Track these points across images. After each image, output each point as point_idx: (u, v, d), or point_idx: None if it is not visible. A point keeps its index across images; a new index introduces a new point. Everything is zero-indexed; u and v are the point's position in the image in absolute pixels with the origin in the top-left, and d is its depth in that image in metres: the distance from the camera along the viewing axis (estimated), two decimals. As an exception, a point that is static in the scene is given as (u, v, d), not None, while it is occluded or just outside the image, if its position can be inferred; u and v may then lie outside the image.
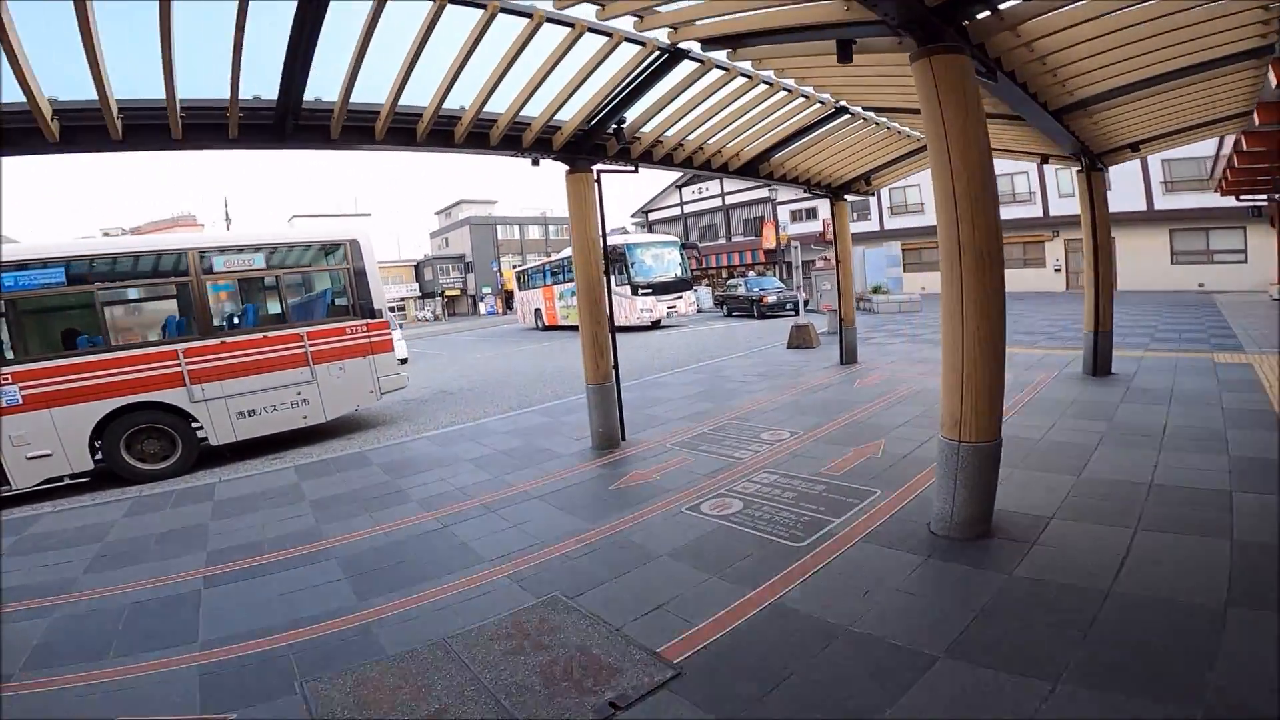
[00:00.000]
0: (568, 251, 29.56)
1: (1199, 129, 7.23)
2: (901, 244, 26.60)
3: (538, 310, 30.01)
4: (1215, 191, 20.41)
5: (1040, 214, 28.80)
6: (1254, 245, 25.37)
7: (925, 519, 3.91)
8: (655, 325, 22.93)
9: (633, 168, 6.60)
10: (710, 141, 6.97)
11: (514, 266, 40.07)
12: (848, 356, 9.75)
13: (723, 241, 44.14)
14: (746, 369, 10.37)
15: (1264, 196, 19.61)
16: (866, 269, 21.12)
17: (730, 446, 5.90)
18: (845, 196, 9.57)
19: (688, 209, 47.88)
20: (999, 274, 3.39)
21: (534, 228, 66.40)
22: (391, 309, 58.86)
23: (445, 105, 5.00)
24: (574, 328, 27.35)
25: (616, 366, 6.38)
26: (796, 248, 12.65)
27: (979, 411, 3.45)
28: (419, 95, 6.75)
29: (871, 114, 6.87)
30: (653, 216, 51.17)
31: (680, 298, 22.73)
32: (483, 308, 62.36)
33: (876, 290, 19.84)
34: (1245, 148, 11.94)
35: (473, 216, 65.30)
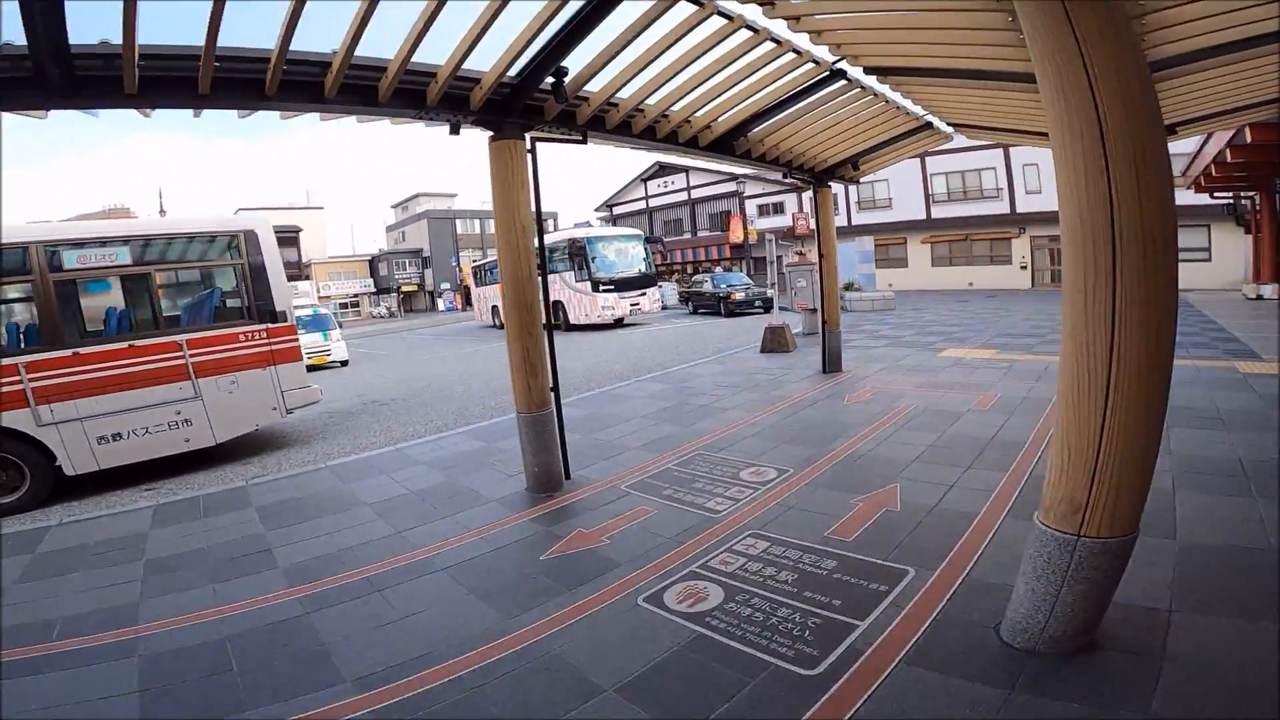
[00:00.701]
0: (525, 245, 28.10)
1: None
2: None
3: (495, 308, 28.42)
4: (1189, 189, 20.10)
5: (1008, 210, 28.42)
6: (1218, 243, 25.39)
7: (986, 617, 2.73)
8: (618, 323, 21.69)
9: (579, 136, 5.28)
10: (676, 107, 5.68)
11: (473, 262, 38.28)
12: (831, 364, 8.62)
13: (688, 236, 43.03)
14: (717, 377, 9.16)
15: (1247, 195, 19.34)
16: (839, 265, 20.16)
17: (702, 491, 4.65)
18: (829, 183, 8.42)
19: (653, 203, 46.63)
20: (1172, 275, 2.16)
21: (489, 220, 64.24)
22: (344, 305, 56.88)
23: (303, 49, 3.61)
24: (532, 326, 26.00)
25: (556, 388, 5.07)
26: (771, 241, 11.51)
27: (1119, 492, 2.25)
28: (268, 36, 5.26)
29: (873, 80, 5.68)
30: (617, 210, 49.81)
31: (644, 294, 21.48)
32: (441, 304, 60.20)
33: (849, 287, 18.90)
34: (1250, 140, 11.28)
35: (431, 210, 63.05)
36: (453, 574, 3.72)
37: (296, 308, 22.29)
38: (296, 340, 8.14)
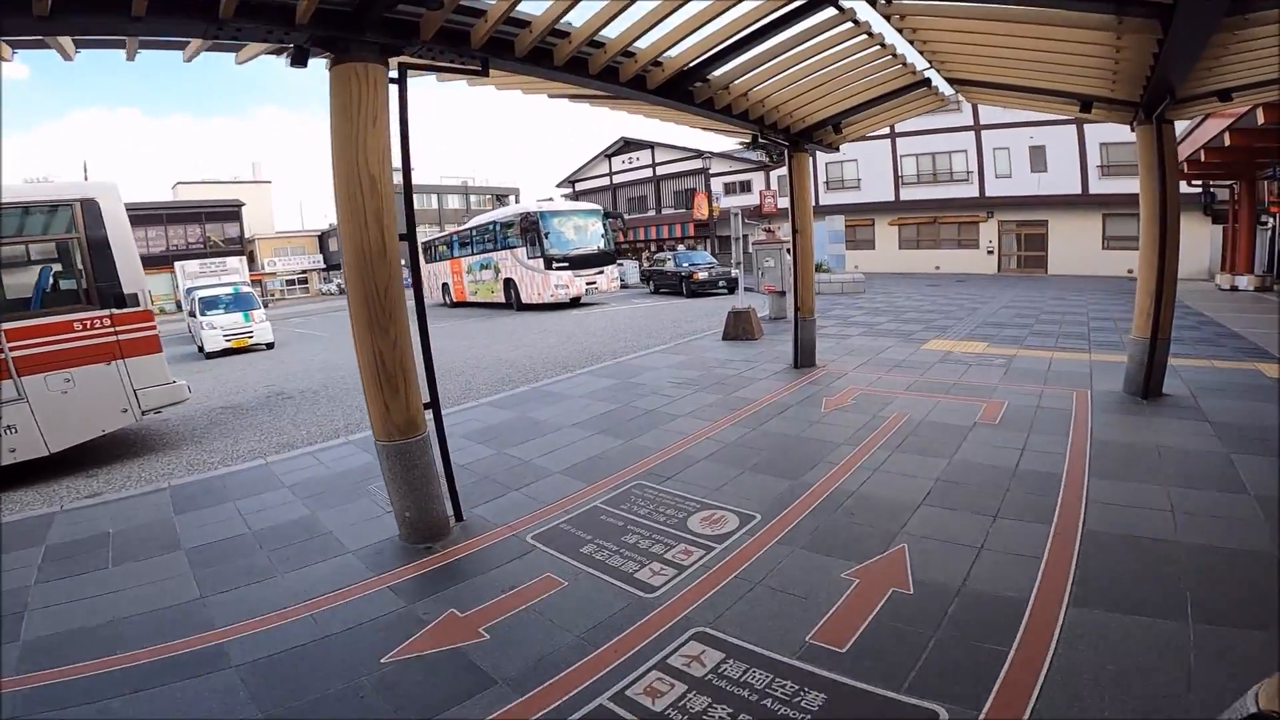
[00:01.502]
0: (479, 219, 26.32)
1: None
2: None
3: (445, 285, 26.74)
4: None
5: (977, 193, 27.76)
6: (1186, 233, 25.01)
7: None
8: (575, 303, 20.30)
9: (476, 65, 3.88)
10: (612, 32, 4.32)
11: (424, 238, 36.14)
12: (804, 357, 7.44)
13: (653, 214, 41.57)
14: (672, 371, 7.91)
15: (1224, 184, 18.84)
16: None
17: (634, 549, 3.38)
18: (806, 147, 7.17)
19: (617, 179, 44.98)
20: None
21: (453, 197, 61.95)
22: (291, 282, 54.01)
23: None
24: (485, 305, 24.44)
25: (436, 404, 3.73)
26: (738, 216, 10.25)
27: None
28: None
29: (868, 9, 4.40)
30: (580, 186, 48.00)
31: (601, 272, 20.07)
32: (396, 281, 57.47)
33: (819, 268, 17.82)
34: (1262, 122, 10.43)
35: (384, 182, 60.12)
36: (246, 675, 2.43)
37: (218, 285, 20.31)
38: (152, 328, 6.59)
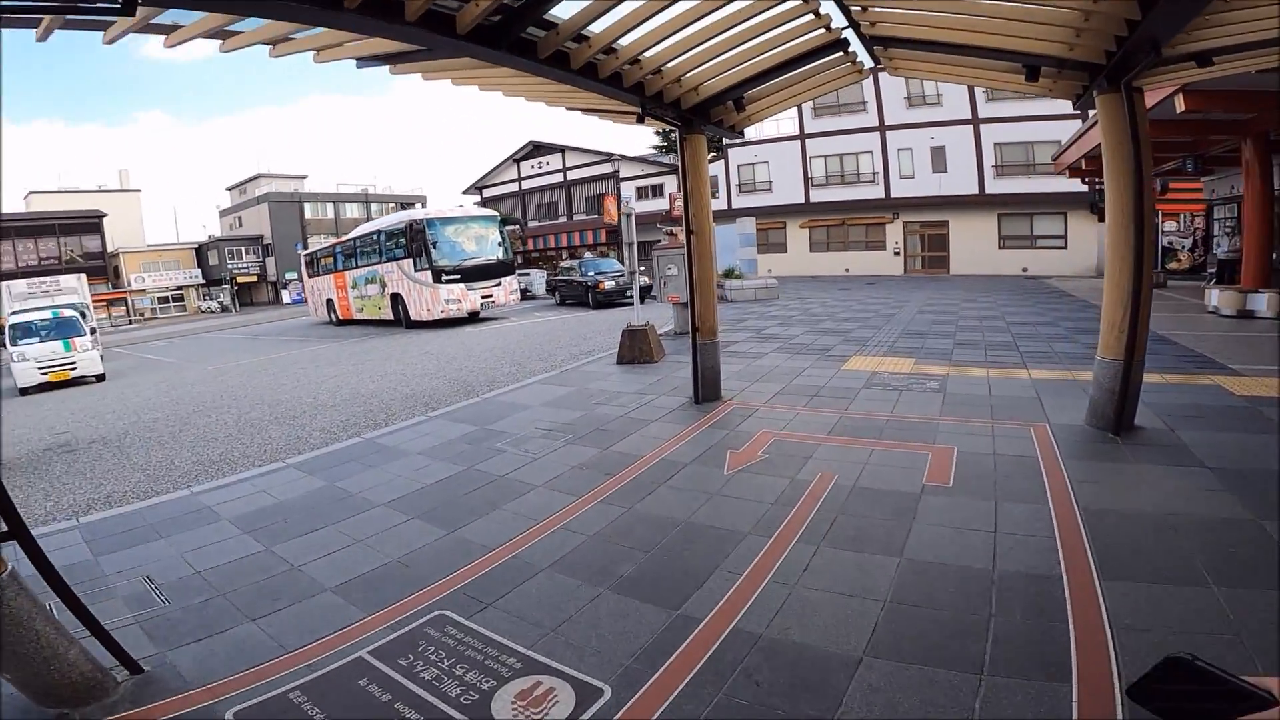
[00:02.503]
0: (362, 229, 23.83)
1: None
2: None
3: (329, 301, 24.14)
4: (1063, 173, 19.83)
5: (882, 195, 27.89)
6: (1073, 231, 26.08)
7: None
8: (473, 318, 18.45)
9: None
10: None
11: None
12: (707, 390, 6.08)
13: (564, 220, 39.97)
14: (546, 411, 6.38)
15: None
16: (717, 250, 18.04)
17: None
18: (703, 128, 5.85)
19: (526, 185, 43.09)
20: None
21: (353, 206, 58.07)
22: (164, 300, 49.08)
23: None
24: (373, 322, 22.03)
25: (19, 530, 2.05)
26: (630, 217, 8.85)
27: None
28: None
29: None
30: (488, 193, 45.79)
31: (499, 284, 18.27)
32: (287, 296, 53.31)
33: (729, 274, 16.80)
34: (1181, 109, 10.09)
35: (273, 193, 55.71)
36: None
37: (38, 309, 17.03)
38: None
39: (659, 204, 34.29)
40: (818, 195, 29.23)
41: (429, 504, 4.15)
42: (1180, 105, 8.50)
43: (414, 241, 17.65)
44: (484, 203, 45.60)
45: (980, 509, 3.44)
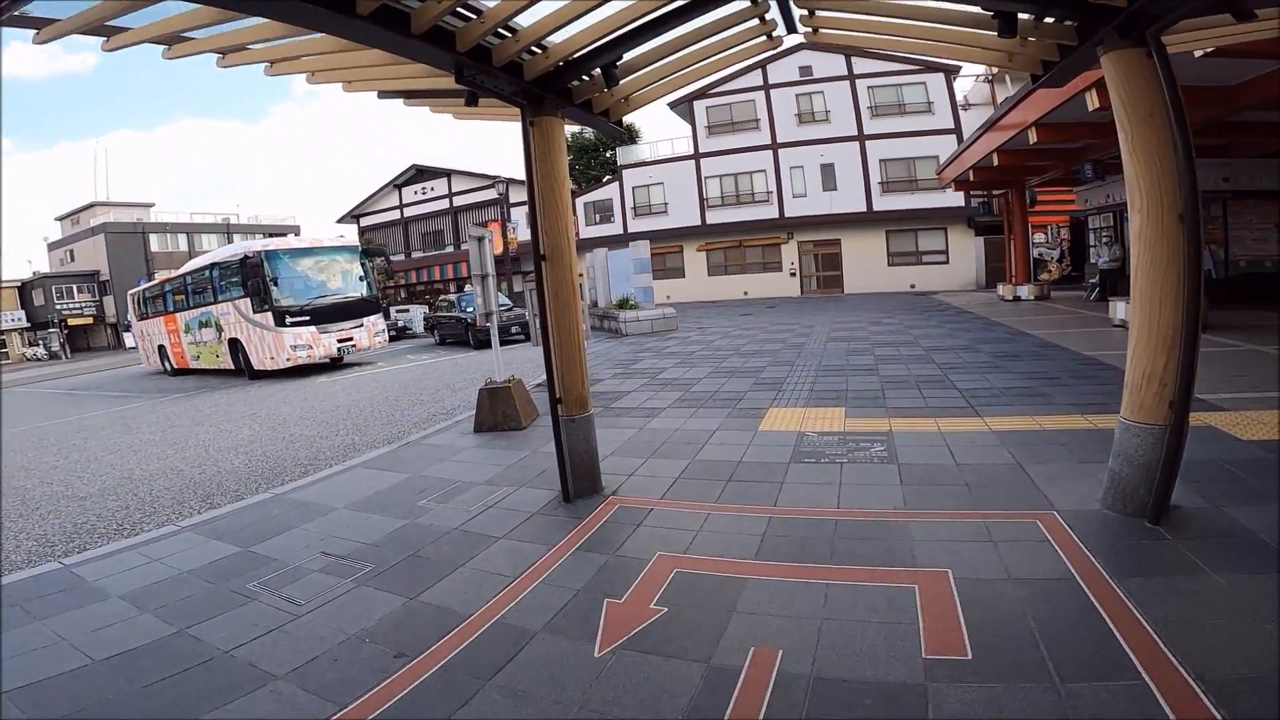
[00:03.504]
0: (194, 263, 20.30)
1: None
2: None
3: (161, 348, 20.46)
4: (947, 187, 19.95)
5: (776, 215, 27.63)
6: (954, 246, 26.83)
7: None
8: (336, 363, 15.85)
9: None
10: None
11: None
12: (580, 483, 4.28)
13: (450, 249, 37.31)
14: (347, 520, 4.37)
15: (998, 193, 19.51)
16: (610, 277, 16.49)
17: None
18: (557, 109, 4.14)
19: (409, 211, 40.07)
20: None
21: (211, 237, 52.14)
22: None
23: None
24: (213, 372, 18.57)
25: None
26: (483, 241, 7.02)
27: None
28: None
29: None
30: (366, 221, 42.28)
31: (360, 326, 15.74)
32: (130, 339, 46.76)
33: (624, 304, 15.23)
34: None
35: (111, 223, 49.05)
36: None
37: None
38: None
39: (551, 229, 32.57)
40: (714, 216, 28.60)
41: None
42: (1093, 103, 7.82)
43: (251, 278, 14.83)
44: (362, 232, 42.05)
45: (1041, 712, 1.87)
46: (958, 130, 25.35)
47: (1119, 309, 10.68)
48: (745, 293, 28.63)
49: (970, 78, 27.43)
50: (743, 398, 6.83)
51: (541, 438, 6.03)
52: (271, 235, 51.63)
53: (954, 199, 25.18)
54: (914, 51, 4.38)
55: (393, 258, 39.68)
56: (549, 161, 4.06)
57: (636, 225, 29.29)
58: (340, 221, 44.12)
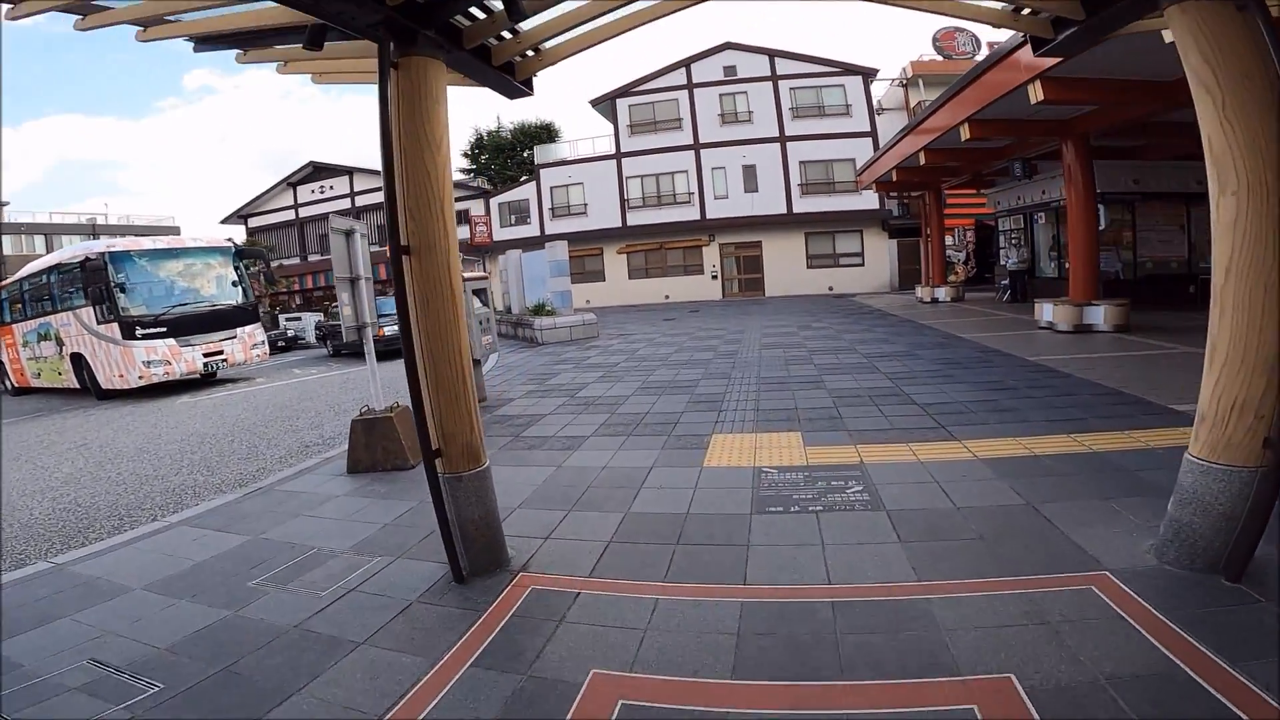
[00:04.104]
0: (31, 268, 17.28)
1: None
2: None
3: (0, 364, 17.38)
4: (869, 189, 19.94)
5: (698, 216, 27.12)
6: (869, 248, 27.24)
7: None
8: (210, 379, 13.76)
9: None
10: None
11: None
12: (475, 557, 3.10)
13: (350, 251, 34.42)
14: (143, 609, 3.05)
15: (915, 195, 19.62)
16: (525, 279, 15.19)
17: None
18: (439, 50, 2.94)
19: (305, 212, 36.86)
20: None
21: (74, 238, 46.17)
22: None
23: None
24: (61, 391, 15.76)
25: None
26: (354, 235, 5.67)
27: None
28: None
29: None
30: (255, 222, 38.62)
31: (233, 337, 13.66)
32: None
33: (540, 310, 13.98)
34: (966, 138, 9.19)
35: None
36: None
37: None
38: None
39: (464, 232, 30.68)
40: (635, 218, 27.74)
41: None
42: (1037, 94, 7.40)
43: (92, 284, 12.49)
44: (250, 234, 38.38)
45: None
46: (873, 133, 25.73)
47: (1045, 311, 10.55)
48: (667, 296, 27.95)
49: (885, 81, 27.98)
50: (679, 421, 5.81)
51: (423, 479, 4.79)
52: (143, 237, 46.48)
53: (869, 201, 25.53)
54: (922, 7, 3.51)
55: (284, 261, 36.45)
56: (419, 118, 2.86)
57: (555, 227, 28.00)
58: (225, 222, 40.15)
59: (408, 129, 2.77)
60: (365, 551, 3.64)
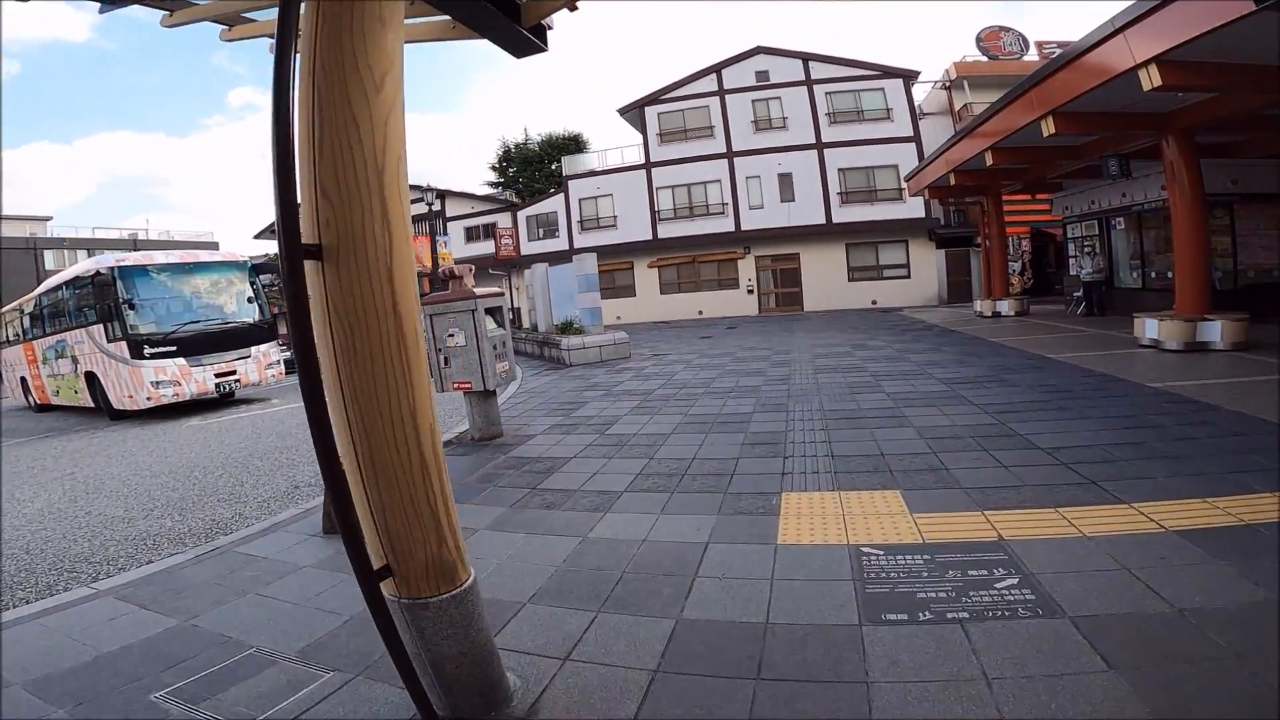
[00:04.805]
0: (50, 282, 17.07)
1: None
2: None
3: (24, 380, 17.35)
4: (921, 194, 18.61)
5: (733, 227, 26.01)
6: (915, 259, 25.73)
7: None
8: (226, 399, 13.19)
9: None
10: None
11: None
12: (464, 696, 2.03)
13: (379, 267, 34.18)
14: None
15: (974, 200, 18.23)
16: (552, 295, 14.24)
17: None
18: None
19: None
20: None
21: (115, 254, 47.13)
22: None
23: None
24: (79, 410, 15.24)
25: None
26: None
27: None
28: None
29: None
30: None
31: (247, 356, 12.98)
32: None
33: (568, 329, 12.98)
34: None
35: (-5, 238, 43.82)
36: None
37: None
38: None
39: (484, 247, 30.17)
40: (666, 230, 26.77)
41: None
42: (1152, 80, 6.15)
43: (102, 300, 11.94)
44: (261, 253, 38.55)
45: None
46: (917, 138, 24.37)
47: (1148, 327, 9.14)
48: (700, 312, 26.83)
49: (928, 84, 26.63)
50: (735, 470, 4.66)
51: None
52: (156, 251, 47.16)
53: (914, 210, 24.12)
54: None
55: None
56: (349, 41, 1.81)
57: (583, 240, 27.19)
58: (258, 238, 40.39)
59: (328, 55, 1.73)
60: (316, 660, 2.61)
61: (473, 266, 6.03)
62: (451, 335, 5.69)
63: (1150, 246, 13.42)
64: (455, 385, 5.88)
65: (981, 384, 7.16)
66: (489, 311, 5.80)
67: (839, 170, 24.94)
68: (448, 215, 32.66)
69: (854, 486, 4.02)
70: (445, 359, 5.84)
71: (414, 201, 27.94)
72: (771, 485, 4.20)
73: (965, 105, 24.07)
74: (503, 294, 6.08)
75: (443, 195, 32.62)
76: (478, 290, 5.63)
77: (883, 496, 3.80)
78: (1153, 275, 13.26)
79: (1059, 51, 10.32)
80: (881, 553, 3.09)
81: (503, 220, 30.37)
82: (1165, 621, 2.33)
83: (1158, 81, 6.20)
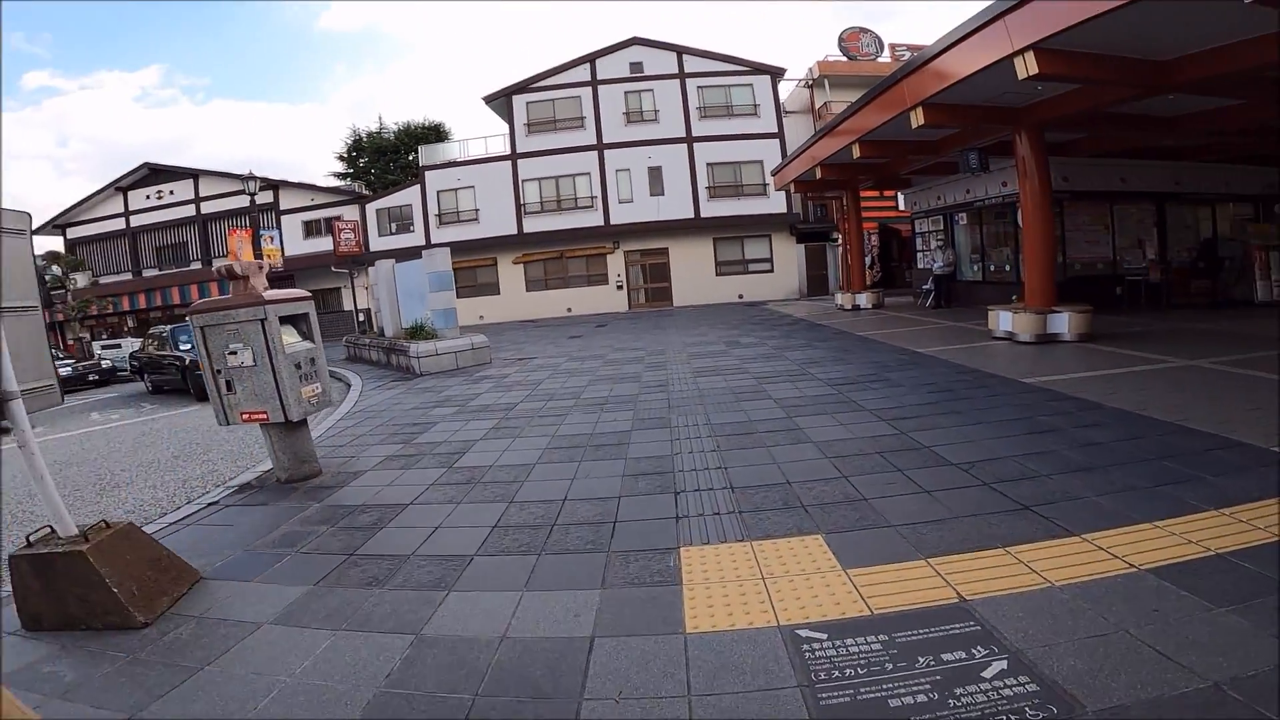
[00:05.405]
0: None
1: None
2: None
3: None
4: (786, 188, 18.79)
5: (602, 221, 25.23)
6: (778, 253, 26.41)
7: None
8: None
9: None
10: None
11: None
12: None
13: (197, 267, 29.75)
14: None
15: (832, 196, 18.64)
16: (399, 295, 12.53)
17: None
18: None
19: (138, 220, 31.41)
20: None
21: None
22: None
23: None
24: None
25: None
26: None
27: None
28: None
29: None
30: (75, 233, 32.68)
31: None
32: None
33: (417, 333, 11.39)
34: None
35: None
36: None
37: None
38: None
39: (322, 244, 27.13)
40: (532, 225, 25.40)
41: None
42: (1029, 68, 6.04)
43: None
44: (69, 246, 32.41)
45: None
46: (781, 135, 24.98)
47: (1003, 319, 9.45)
48: (569, 309, 25.81)
49: (792, 82, 27.41)
50: (618, 515, 3.71)
51: (202, 647, 2.44)
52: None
53: (778, 205, 24.72)
54: None
55: (109, 278, 31.13)
56: None
57: (441, 235, 25.15)
58: (38, 233, 33.56)
59: None
60: None
61: (265, 264, 4.59)
62: (233, 352, 4.23)
63: (988, 241, 14.32)
64: (244, 416, 4.42)
65: (866, 384, 6.81)
66: (289, 320, 4.42)
67: (708, 165, 24.98)
68: (282, 208, 28.94)
69: (766, 533, 3.22)
70: (228, 383, 4.37)
71: (234, 194, 23.97)
72: (666, 536, 3.30)
73: (825, 104, 25.02)
74: (308, 298, 4.68)
75: (274, 185, 28.87)
76: (269, 294, 4.24)
77: (804, 544, 3.04)
78: (991, 269, 14.17)
79: (909, 55, 10.46)
80: (825, 636, 2.29)
81: (348, 213, 27.39)
82: (1211, 704, 1.71)
83: (1034, 69, 6.11)
